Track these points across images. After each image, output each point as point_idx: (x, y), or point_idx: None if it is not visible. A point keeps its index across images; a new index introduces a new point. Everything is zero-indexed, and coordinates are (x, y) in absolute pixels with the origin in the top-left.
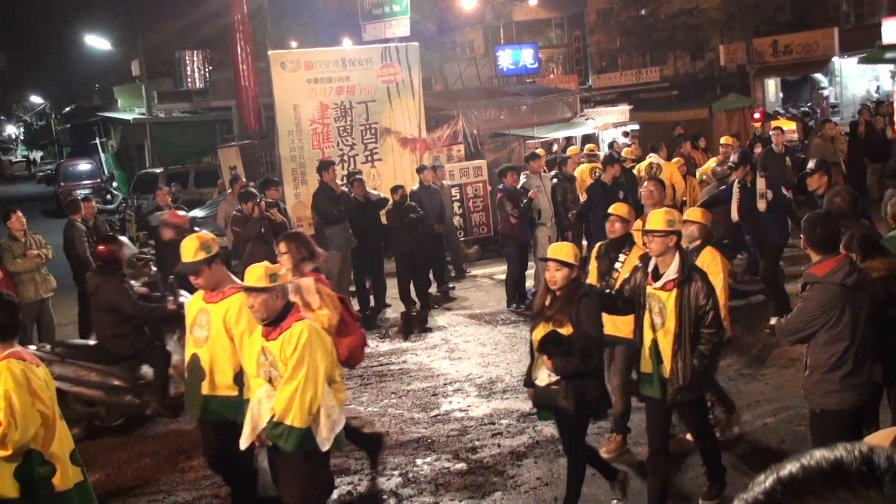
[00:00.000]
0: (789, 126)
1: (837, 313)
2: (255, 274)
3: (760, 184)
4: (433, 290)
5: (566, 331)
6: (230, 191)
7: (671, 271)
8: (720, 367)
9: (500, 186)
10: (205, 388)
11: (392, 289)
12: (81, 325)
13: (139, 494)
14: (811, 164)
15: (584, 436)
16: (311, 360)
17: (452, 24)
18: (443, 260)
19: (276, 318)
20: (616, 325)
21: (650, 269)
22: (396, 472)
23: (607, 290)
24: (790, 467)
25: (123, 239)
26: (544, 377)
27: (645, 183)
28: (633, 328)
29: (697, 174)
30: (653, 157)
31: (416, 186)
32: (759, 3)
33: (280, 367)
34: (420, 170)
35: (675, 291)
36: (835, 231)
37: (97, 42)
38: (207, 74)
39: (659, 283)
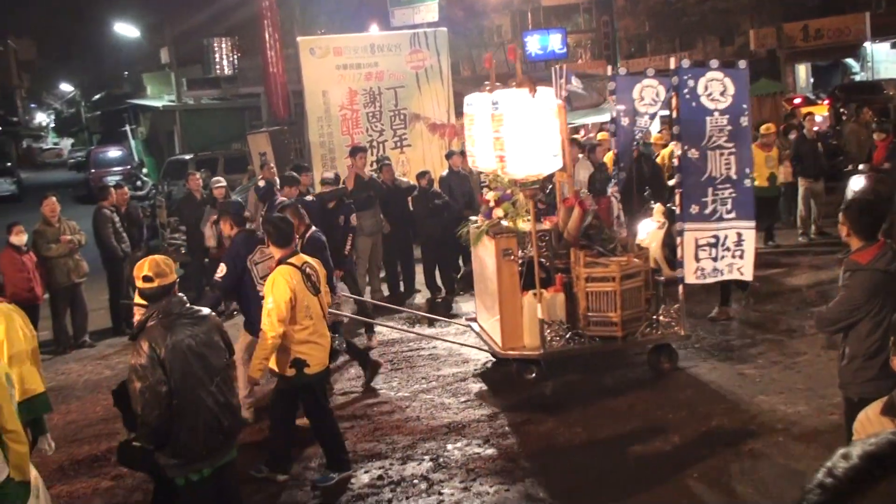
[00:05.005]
0: (821, 112)
1: (881, 300)
2: None
3: None
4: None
5: None
6: (260, 176)
7: None
8: (754, 353)
9: None
10: None
11: (420, 274)
12: (112, 311)
13: None
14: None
15: None
16: None
17: (480, 9)
18: None
19: None
20: None
21: None
22: (427, 457)
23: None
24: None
25: None
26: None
27: None
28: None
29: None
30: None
31: (445, 172)
32: None
33: None
34: (449, 155)
35: None
36: (881, 217)
37: (126, 30)
38: (236, 61)
39: None
